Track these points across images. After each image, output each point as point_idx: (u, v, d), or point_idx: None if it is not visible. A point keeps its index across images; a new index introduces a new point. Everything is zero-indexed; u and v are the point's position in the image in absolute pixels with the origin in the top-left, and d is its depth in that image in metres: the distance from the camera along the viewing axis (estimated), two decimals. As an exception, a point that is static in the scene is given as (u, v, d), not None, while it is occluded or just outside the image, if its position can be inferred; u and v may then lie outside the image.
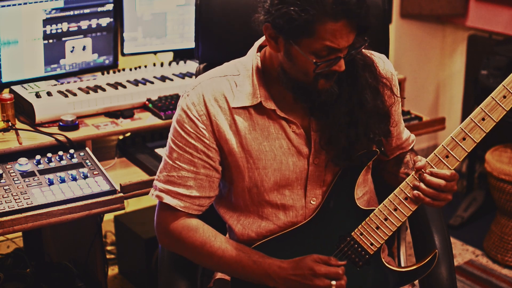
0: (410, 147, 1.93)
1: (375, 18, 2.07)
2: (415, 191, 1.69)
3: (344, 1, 1.52)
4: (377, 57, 1.79)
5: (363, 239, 1.74)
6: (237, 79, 1.73)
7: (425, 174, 1.68)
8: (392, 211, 1.72)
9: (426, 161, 1.70)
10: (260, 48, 1.76)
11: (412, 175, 1.70)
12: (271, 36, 1.63)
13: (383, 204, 1.72)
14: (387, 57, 2.08)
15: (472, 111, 1.70)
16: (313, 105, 1.69)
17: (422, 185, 1.68)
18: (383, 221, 1.72)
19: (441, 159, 1.69)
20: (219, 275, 1.89)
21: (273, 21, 1.58)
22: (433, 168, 1.68)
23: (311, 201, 1.77)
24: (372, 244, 1.74)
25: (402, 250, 2.12)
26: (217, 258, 1.74)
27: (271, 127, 1.72)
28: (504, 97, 1.66)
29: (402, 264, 2.09)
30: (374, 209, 1.74)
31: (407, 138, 1.92)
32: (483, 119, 1.67)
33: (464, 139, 1.68)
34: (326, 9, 1.52)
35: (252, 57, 1.74)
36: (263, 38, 1.75)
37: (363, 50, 1.71)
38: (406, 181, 1.71)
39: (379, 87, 1.74)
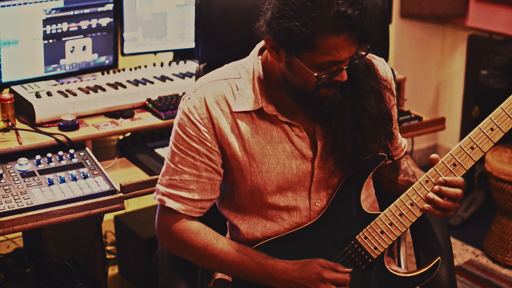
0: (402, 153, 1.92)
1: (376, 20, 2.07)
2: (426, 205, 1.68)
3: (345, 15, 1.50)
4: (377, 60, 1.78)
5: (367, 243, 1.74)
6: (238, 82, 1.72)
7: (441, 187, 1.66)
8: (398, 216, 1.72)
9: (434, 168, 1.69)
10: (261, 51, 1.74)
11: (419, 181, 1.70)
12: (272, 47, 1.61)
13: (389, 209, 1.72)
14: (387, 57, 2.09)
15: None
16: (315, 111, 1.69)
17: (437, 198, 1.67)
18: (388, 226, 1.72)
19: (449, 167, 1.68)
20: (219, 275, 1.89)
21: (274, 35, 1.57)
22: (440, 175, 1.68)
23: (316, 203, 1.76)
24: (376, 248, 1.74)
25: (402, 250, 2.12)
26: (220, 261, 1.73)
27: (274, 131, 1.72)
28: None
29: (402, 264, 2.09)
30: (380, 214, 1.73)
31: (400, 143, 1.91)
32: (492, 129, 1.67)
33: (472, 148, 1.68)
34: (327, 23, 1.51)
35: (253, 61, 1.73)
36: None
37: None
38: (412, 187, 1.70)
39: (381, 90, 1.73)
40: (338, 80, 1.60)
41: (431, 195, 1.67)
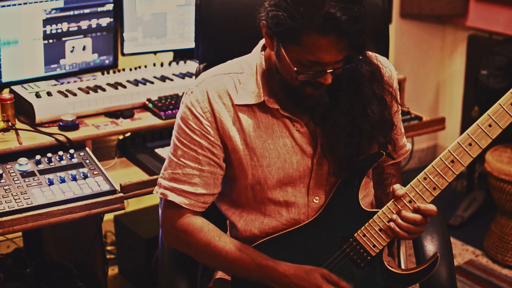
0: (401, 158, 1.92)
1: (376, 20, 2.07)
2: (391, 223, 1.70)
3: (334, 18, 1.50)
4: (383, 64, 1.76)
5: (366, 240, 1.74)
6: (240, 77, 1.73)
7: (397, 217, 1.69)
8: (396, 213, 1.72)
9: (406, 191, 1.70)
10: (264, 47, 1.76)
11: (417, 178, 1.70)
12: (267, 34, 1.64)
13: (387, 206, 1.72)
14: (387, 57, 2.09)
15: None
16: (299, 108, 1.69)
17: (399, 220, 1.69)
18: (387, 223, 1.72)
19: (447, 164, 1.68)
20: (219, 275, 1.89)
21: (266, 21, 1.61)
22: (439, 172, 1.68)
23: (314, 200, 1.77)
24: (374, 246, 1.74)
25: (402, 250, 2.12)
26: (220, 259, 1.74)
27: (275, 125, 1.73)
28: None
29: (402, 264, 2.09)
30: (378, 211, 1.73)
31: (402, 146, 1.91)
32: (490, 125, 1.67)
33: (470, 144, 1.68)
34: (314, 21, 1.51)
35: (256, 56, 1.74)
36: None
37: (367, 52, 1.70)
38: (411, 184, 1.70)
39: (386, 96, 1.73)
40: (321, 82, 1.60)
41: (395, 216, 1.69)
